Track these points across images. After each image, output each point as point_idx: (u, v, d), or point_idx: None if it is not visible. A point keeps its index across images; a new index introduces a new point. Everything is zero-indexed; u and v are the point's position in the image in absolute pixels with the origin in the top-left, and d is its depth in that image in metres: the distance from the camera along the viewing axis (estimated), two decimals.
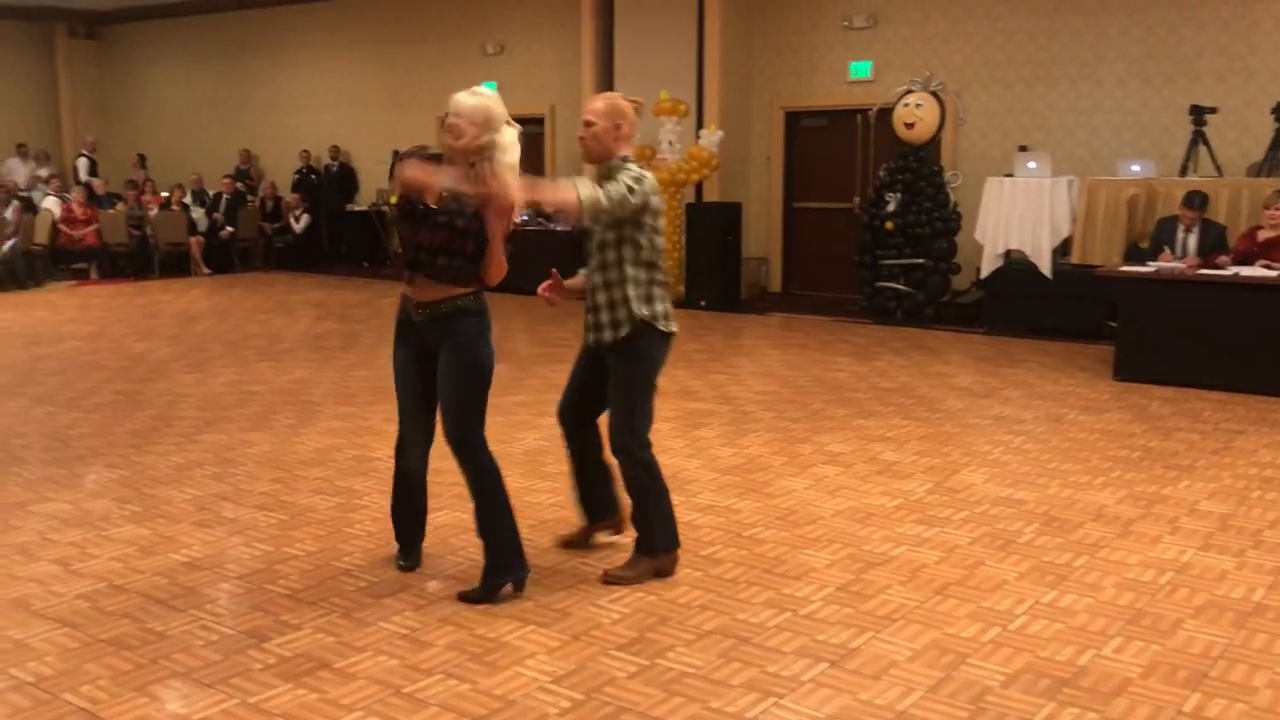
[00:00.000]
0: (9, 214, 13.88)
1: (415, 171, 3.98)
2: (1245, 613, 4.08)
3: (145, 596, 4.20)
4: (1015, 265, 10.29)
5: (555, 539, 4.82)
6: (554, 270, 4.47)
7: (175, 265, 15.13)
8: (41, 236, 14.37)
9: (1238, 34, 10.37)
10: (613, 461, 4.43)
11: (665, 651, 3.74)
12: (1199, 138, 9.72)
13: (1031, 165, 10.29)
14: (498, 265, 4.10)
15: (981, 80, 11.68)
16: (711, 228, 11.81)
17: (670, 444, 6.33)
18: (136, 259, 14.89)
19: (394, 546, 4.59)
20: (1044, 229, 10.06)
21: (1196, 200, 8.66)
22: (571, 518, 5.05)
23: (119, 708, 3.36)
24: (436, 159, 4.07)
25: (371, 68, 16.56)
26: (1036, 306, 10.20)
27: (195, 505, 5.32)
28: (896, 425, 6.88)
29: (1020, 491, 5.54)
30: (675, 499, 5.31)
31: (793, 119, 13.01)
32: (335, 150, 16.71)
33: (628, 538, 4.56)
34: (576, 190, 3.99)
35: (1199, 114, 9.70)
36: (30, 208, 14.94)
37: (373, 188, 16.49)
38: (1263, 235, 8.30)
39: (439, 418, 4.19)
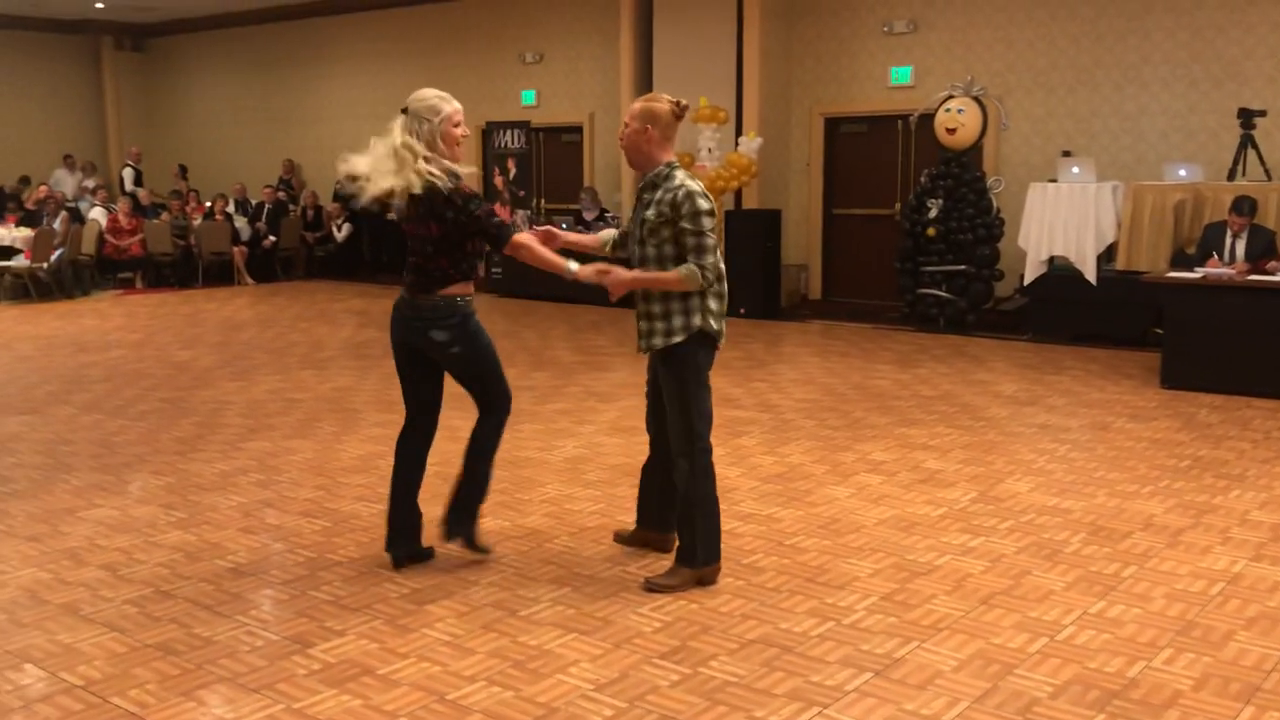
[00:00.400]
0: (56, 224, 14.11)
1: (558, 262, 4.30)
2: None
3: (191, 602, 4.24)
4: (1059, 271, 10.18)
5: (613, 534, 4.87)
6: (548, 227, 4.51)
7: (219, 274, 15.31)
8: (88, 246, 14.59)
9: None
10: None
11: (708, 660, 3.72)
12: (1247, 141, 9.57)
13: (1075, 170, 10.19)
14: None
15: (1024, 84, 11.57)
16: (751, 235, 11.79)
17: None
18: (181, 268, 15.08)
19: (437, 550, 4.63)
20: (1088, 235, 9.94)
21: (1245, 205, 8.54)
22: (612, 523, 5.05)
23: (166, 712, 3.39)
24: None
25: (411, 77, 16.61)
26: (1081, 313, 10.09)
27: (240, 512, 5.36)
28: (940, 433, 6.82)
29: (1066, 500, 5.47)
30: None
31: (833, 125, 12.95)
32: None
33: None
34: (676, 273, 4.14)
35: (1247, 117, 9.56)
36: (77, 218, 15.18)
37: None
38: None
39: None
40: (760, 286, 11.81)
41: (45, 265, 13.48)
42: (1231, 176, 9.64)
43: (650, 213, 4.19)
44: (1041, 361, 9.23)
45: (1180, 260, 9.17)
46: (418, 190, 4.18)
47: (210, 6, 17.45)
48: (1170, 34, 10.76)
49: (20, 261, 13.56)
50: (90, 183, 17.61)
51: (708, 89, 12.40)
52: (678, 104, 4.25)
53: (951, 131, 10.63)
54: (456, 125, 4.31)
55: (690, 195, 4.11)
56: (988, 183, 10.77)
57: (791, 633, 3.94)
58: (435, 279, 4.32)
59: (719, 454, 6.25)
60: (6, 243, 14.05)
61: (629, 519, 4.92)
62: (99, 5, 17.46)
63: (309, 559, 4.70)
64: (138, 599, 4.28)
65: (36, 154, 18.72)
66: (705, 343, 4.26)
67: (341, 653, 3.79)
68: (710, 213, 4.15)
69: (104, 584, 4.43)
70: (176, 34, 19.56)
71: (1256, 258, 8.29)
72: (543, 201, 15.18)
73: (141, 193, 16.49)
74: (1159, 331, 8.81)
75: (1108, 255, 10.06)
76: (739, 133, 12.38)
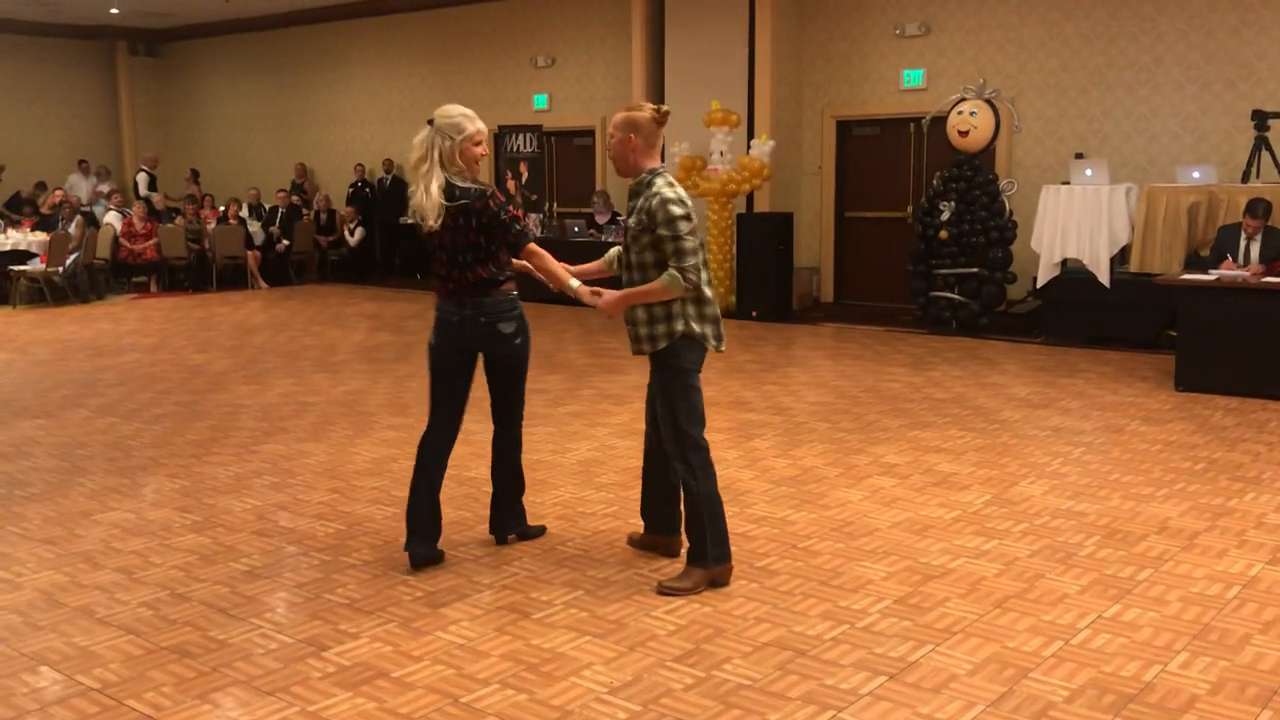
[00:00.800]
0: (72, 229, 14.18)
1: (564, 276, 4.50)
2: None
3: (206, 605, 4.26)
4: (1072, 274, 10.15)
5: (626, 537, 4.89)
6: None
7: (233, 278, 15.37)
8: (103, 251, 14.67)
9: None
10: (676, 483, 4.50)
11: (722, 663, 3.72)
12: (1262, 143, 9.53)
13: (1088, 172, 10.16)
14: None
15: (1036, 87, 11.55)
16: (763, 238, 11.78)
17: (724, 455, 6.30)
18: (195, 272, 15.15)
19: (450, 554, 4.64)
20: (1102, 237, 9.91)
21: (1260, 208, 8.50)
22: (625, 526, 5.06)
23: (181, 715, 3.40)
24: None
25: (423, 81, 16.73)
26: (1094, 316, 10.06)
27: (254, 515, 5.38)
28: (953, 436, 6.80)
29: (1081, 504, 5.45)
30: (729, 510, 5.30)
31: (844, 128, 12.95)
32: (389, 163, 16.88)
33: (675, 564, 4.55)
34: (659, 283, 4.20)
35: (1262, 119, 9.52)
36: (92, 222, 15.26)
37: None
38: None
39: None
40: (772, 289, 11.80)
41: (60, 270, 13.55)
42: (1245, 178, 9.60)
43: (632, 220, 4.31)
44: (1055, 364, 9.20)
45: (1194, 263, 9.13)
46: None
47: (224, 12, 17.52)
48: (1183, 35, 10.72)
49: (35, 266, 13.64)
50: (105, 187, 17.70)
51: (719, 92, 12.41)
52: (658, 110, 4.33)
53: (964, 134, 10.62)
54: (477, 144, 4.47)
55: (664, 202, 4.18)
56: (1000, 185, 10.74)
57: (805, 636, 3.93)
58: (489, 281, 4.47)
59: (731, 457, 6.28)
60: (22, 247, 14.13)
61: (641, 522, 4.93)
62: (114, 11, 17.54)
63: (323, 562, 4.72)
64: (153, 602, 4.29)
65: (51, 159, 18.83)
66: (691, 346, 4.30)
67: (356, 655, 3.80)
68: (685, 217, 4.19)
69: (119, 587, 4.45)
70: (191, 39, 19.66)
71: (1271, 260, 8.26)
72: (555, 205, 15.20)
73: (156, 197, 16.55)
74: (1173, 334, 8.78)
75: (1121, 257, 10.03)
76: (751, 136, 12.38)
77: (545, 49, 15.23)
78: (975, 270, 10.66)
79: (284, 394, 8.21)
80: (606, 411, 7.53)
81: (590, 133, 14.83)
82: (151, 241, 14.92)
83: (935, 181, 11.06)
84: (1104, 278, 9.90)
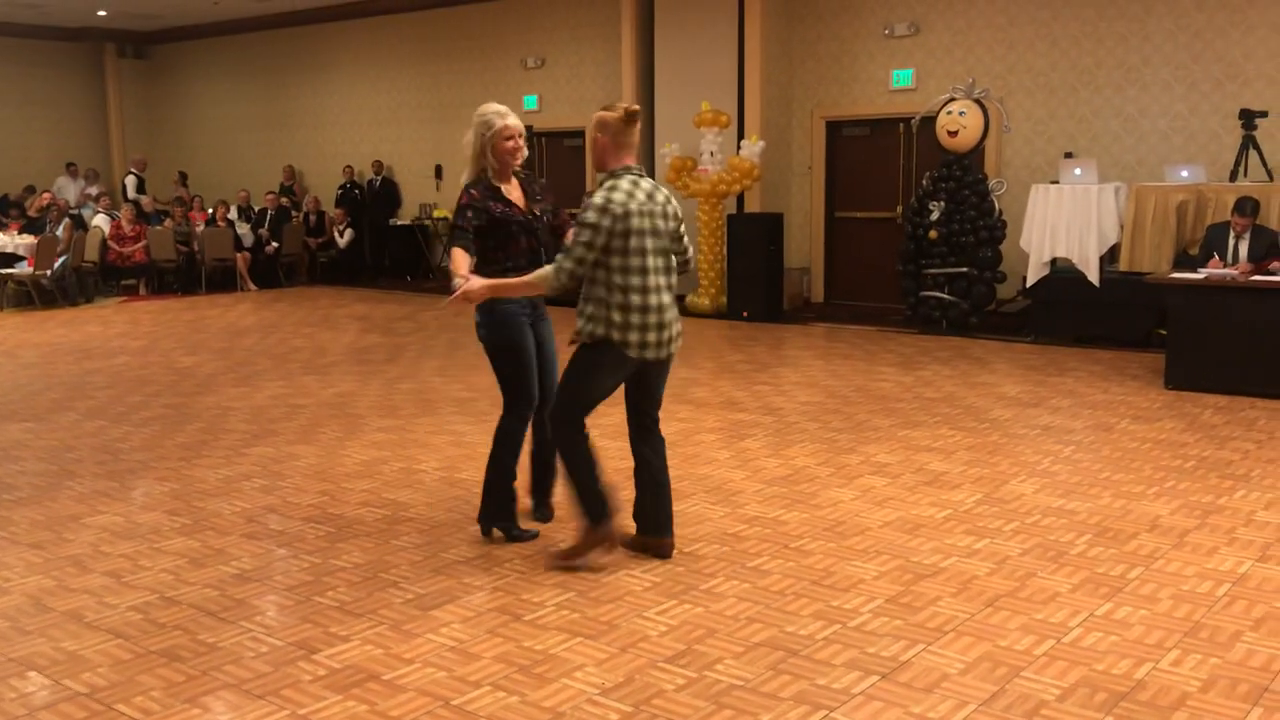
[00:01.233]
0: (60, 231, 14.12)
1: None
2: None
3: (196, 608, 4.24)
4: (1062, 273, 10.17)
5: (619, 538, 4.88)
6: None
7: (222, 281, 15.32)
8: (91, 253, 14.60)
9: None
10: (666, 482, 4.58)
11: (714, 664, 3.72)
12: (1249, 142, 9.57)
13: (1077, 172, 10.18)
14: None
15: (1025, 86, 11.57)
16: (753, 238, 11.78)
17: (715, 455, 6.30)
18: (184, 275, 15.10)
19: (442, 556, 4.63)
20: (1091, 236, 9.94)
21: (1248, 206, 8.53)
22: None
23: (171, 719, 3.38)
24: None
25: (413, 83, 16.71)
26: (1084, 314, 10.08)
27: (244, 517, 5.36)
28: (943, 435, 6.81)
29: (1072, 502, 5.46)
30: (721, 510, 5.32)
31: (834, 128, 12.96)
32: (378, 165, 16.86)
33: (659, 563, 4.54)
34: (535, 274, 4.40)
35: (1249, 118, 9.56)
36: (80, 225, 15.20)
37: (415, 202, 16.63)
38: None
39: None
40: (763, 290, 11.80)
41: (49, 273, 13.49)
42: (1233, 177, 9.64)
43: None
44: (1045, 363, 9.22)
45: (1183, 261, 9.16)
46: None
47: (213, 14, 17.48)
48: (1171, 35, 10.76)
49: (24, 269, 13.58)
50: (93, 190, 17.64)
51: (709, 93, 12.41)
52: (628, 110, 4.43)
53: (953, 134, 10.64)
54: (508, 139, 4.67)
55: (589, 206, 4.31)
56: (989, 185, 10.77)
57: (797, 635, 3.93)
58: (485, 276, 4.63)
59: (723, 457, 6.27)
60: (10, 250, 14.07)
61: (632, 522, 4.92)
62: (101, 13, 17.49)
63: (313, 564, 4.70)
64: (142, 605, 4.27)
65: (39, 161, 18.77)
66: (608, 351, 4.40)
67: (346, 658, 3.78)
68: (593, 225, 4.26)
69: (108, 590, 4.43)
70: (179, 41, 19.60)
71: (1259, 258, 8.29)
72: None
73: (144, 200, 16.51)
74: (1162, 332, 8.80)
75: (1110, 256, 10.06)
76: (741, 136, 12.39)
77: (535, 50, 15.22)
78: (965, 270, 10.68)
79: (273, 396, 8.19)
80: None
81: (580, 134, 14.81)
82: (140, 244, 14.86)
83: (925, 181, 11.08)
84: (1093, 277, 9.93)
